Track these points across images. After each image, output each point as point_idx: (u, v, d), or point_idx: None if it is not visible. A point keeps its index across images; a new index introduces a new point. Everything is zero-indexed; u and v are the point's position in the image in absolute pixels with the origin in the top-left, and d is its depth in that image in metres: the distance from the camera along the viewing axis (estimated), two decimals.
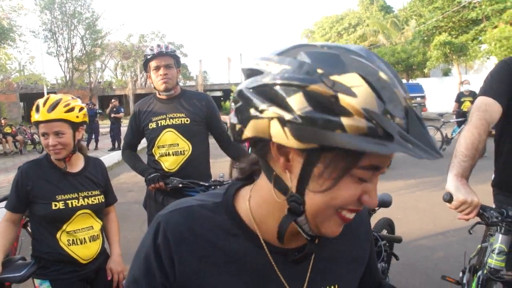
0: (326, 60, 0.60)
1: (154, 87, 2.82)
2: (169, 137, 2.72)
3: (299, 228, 0.70)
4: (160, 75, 2.70)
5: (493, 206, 1.95)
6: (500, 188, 2.16)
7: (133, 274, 0.76)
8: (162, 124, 2.73)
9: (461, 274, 2.59)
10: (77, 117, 2.02)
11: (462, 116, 10.25)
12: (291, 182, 0.66)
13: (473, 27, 23.80)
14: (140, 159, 2.92)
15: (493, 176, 2.22)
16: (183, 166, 2.73)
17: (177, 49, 43.93)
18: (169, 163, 2.74)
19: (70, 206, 2.03)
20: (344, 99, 0.57)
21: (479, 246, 2.50)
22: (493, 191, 2.21)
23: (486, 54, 19.35)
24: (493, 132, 2.13)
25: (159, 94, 2.82)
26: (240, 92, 0.67)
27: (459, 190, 1.54)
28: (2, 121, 16.02)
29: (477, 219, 1.63)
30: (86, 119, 2.11)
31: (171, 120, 2.73)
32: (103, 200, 2.19)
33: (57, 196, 2.02)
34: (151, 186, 2.67)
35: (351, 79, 0.58)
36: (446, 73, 27.63)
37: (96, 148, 14.60)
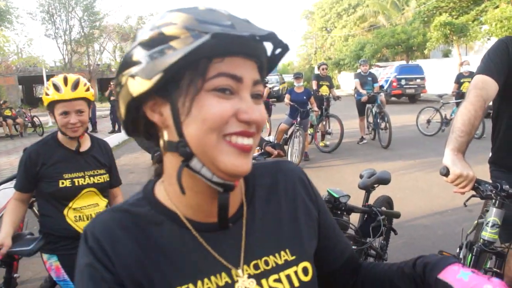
0: (153, 20, 0.68)
1: None
2: None
3: (200, 176, 0.68)
4: None
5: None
6: (496, 165, 2.20)
7: None
8: None
9: (458, 250, 2.66)
10: (93, 95, 2.10)
11: (461, 97, 10.07)
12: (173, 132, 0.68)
13: (474, 7, 23.41)
14: None
15: (490, 154, 2.27)
16: None
17: None
18: None
19: (76, 184, 2.09)
20: (167, 29, 0.63)
21: (476, 222, 2.56)
22: (490, 167, 2.25)
23: (487, 34, 19.12)
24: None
25: None
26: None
27: (455, 164, 1.57)
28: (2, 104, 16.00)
29: (472, 192, 1.67)
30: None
31: None
32: (108, 179, 2.24)
33: (64, 175, 2.07)
34: None
35: (171, 17, 0.65)
36: (446, 54, 27.42)
37: (93, 130, 14.44)
